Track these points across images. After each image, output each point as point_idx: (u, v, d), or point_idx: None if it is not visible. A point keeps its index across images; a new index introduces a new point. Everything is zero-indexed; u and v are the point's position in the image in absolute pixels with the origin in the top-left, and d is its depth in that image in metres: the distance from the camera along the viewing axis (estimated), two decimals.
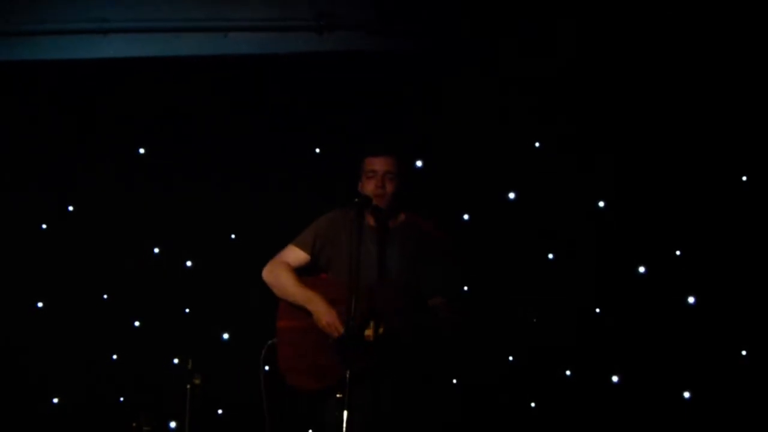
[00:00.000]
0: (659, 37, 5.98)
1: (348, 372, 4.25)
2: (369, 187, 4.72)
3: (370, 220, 4.75)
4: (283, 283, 4.78)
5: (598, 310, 6.22)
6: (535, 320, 6.09)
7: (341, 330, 4.53)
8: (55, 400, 6.29)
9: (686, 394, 6.09)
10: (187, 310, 6.36)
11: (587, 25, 5.98)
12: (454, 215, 6.28)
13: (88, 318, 6.29)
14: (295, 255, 4.85)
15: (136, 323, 6.37)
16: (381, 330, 4.56)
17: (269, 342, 4.78)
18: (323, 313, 4.62)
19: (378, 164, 4.75)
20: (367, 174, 4.76)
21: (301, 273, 4.82)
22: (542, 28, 5.99)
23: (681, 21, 5.89)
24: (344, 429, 4.16)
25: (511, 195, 6.35)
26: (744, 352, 6.03)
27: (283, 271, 4.81)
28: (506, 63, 6.12)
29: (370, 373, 4.48)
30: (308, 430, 5.72)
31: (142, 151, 6.42)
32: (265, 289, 4.88)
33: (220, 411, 6.26)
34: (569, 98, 6.19)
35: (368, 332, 4.57)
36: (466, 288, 5.97)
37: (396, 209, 4.80)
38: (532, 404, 6.23)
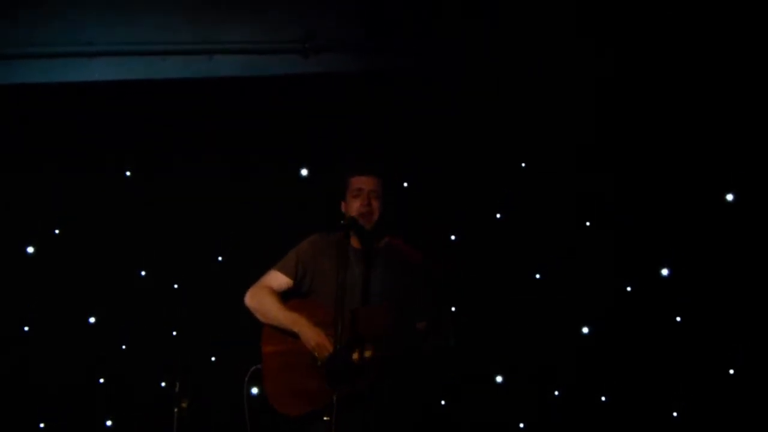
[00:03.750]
0: (646, 57, 6.00)
1: (335, 395, 4.23)
2: (354, 206, 4.71)
3: (355, 243, 4.73)
4: (268, 308, 4.74)
5: (585, 330, 6.22)
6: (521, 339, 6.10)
7: (331, 350, 4.50)
8: (42, 425, 6.25)
9: (674, 414, 6.10)
10: (174, 333, 6.34)
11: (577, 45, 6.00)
12: (441, 235, 6.29)
13: (74, 341, 6.26)
14: (277, 280, 4.81)
15: (123, 346, 6.34)
16: (368, 354, 4.54)
17: (253, 367, 4.76)
18: (311, 334, 4.59)
19: (364, 183, 4.73)
20: (352, 192, 4.75)
21: (283, 298, 4.78)
22: (532, 45, 6.00)
23: (665, 43, 5.92)
24: None
25: (498, 215, 6.37)
26: (731, 371, 6.04)
27: (266, 295, 4.77)
28: (494, 82, 6.14)
29: (357, 397, 4.45)
30: None
31: (128, 173, 6.41)
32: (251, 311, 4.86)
33: None
34: (556, 118, 6.21)
35: (355, 356, 4.55)
36: (453, 309, 5.98)
37: (380, 230, 4.79)
38: (521, 425, 6.23)
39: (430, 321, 4.69)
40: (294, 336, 4.66)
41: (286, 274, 4.80)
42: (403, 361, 4.59)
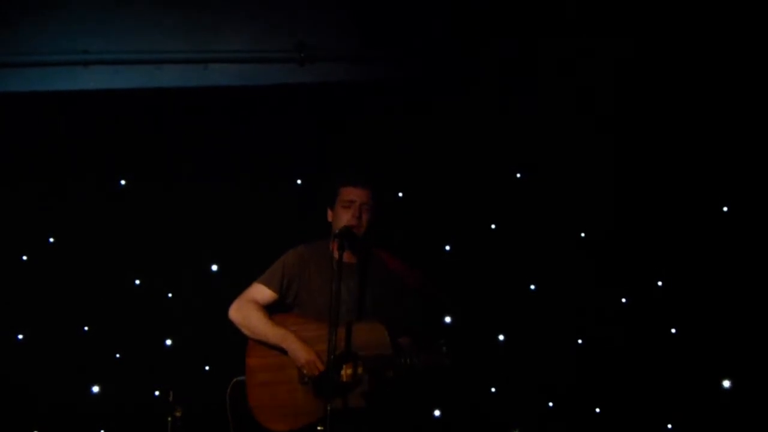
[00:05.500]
0: (643, 68, 6.01)
1: (328, 407, 4.21)
2: (344, 217, 4.66)
3: (345, 255, 4.64)
4: (254, 323, 4.69)
5: (580, 341, 6.22)
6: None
7: (321, 368, 4.49)
8: None
9: (669, 425, 6.09)
10: (168, 342, 6.33)
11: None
12: (435, 246, 6.29)
13: (68, 350, 6.25)
14: (262, 293, 4.76)
15: (117, 355, 6.33)
16: (359, 371, 4.52)
17: (235, 379, 4.73)
18: (301, 351, 4.55)
19: (356, 195, 4.69)
20: (342, 203, 4.70)
21: (268, 310, 4.74)
22: (526, 52, 6.01)
23: (662, 56, 5.93)
24: None
25: (493, 226, 6.36)
26: (726, 384, 6.03)
27: (252, 310, 4.71)
28: (491, 89, 6.15)
29: (348, 413, 4.44)
30: None
31: (123, 182, 6.41)
32: None
33: None
34: (552, 128, 6.21)
35: (344, 372, 4.53)
36: (445, 320, 5.98)
37: (368, 243, 4.76)
38: None
39: (420, 336, 4.67)
40: (281, 350, 4.62)
41: (271, 287, 4.76)
42: (395, 377, 4.55)
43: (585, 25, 5.70)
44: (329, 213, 4.78)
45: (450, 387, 5.92)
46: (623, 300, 6.21)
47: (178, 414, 5.22)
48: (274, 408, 4.59)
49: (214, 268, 6.39)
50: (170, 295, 6.38)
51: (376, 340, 4.54)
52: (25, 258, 6.37)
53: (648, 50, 5.86)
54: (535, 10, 5.61)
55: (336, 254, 4.53)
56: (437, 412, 6.20)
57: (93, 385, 6.30)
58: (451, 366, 4.52)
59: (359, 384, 4.50)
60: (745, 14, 5.51)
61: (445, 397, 6.09)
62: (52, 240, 6.39)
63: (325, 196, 4.86)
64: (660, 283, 6.18)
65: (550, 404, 6.21)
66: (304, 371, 4.54)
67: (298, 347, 4.56)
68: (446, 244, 6.35)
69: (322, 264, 4.69)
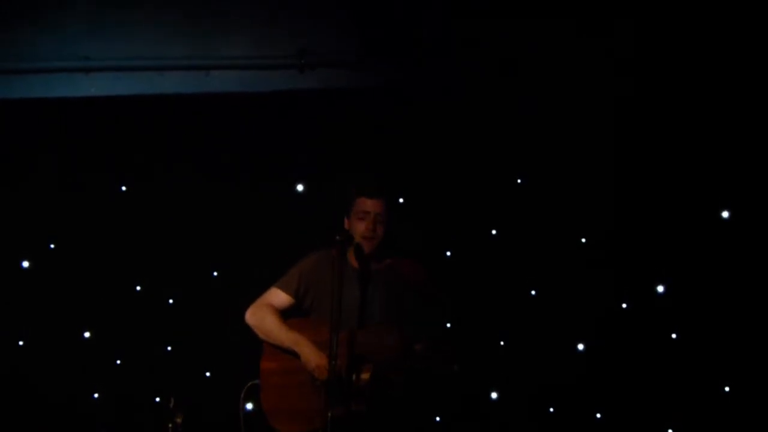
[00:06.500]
0: (643, 74, 6.02)
1: (329, 414, 4.23)
2: (359, 228, 4.72)
3: (354, 261, 4.73)
4: (269, 327, 4.74)
5: (581, 346, 6.21)
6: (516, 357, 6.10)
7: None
8: None
9: (670, 431, 6.09)
10: (169, 348, 6.33)
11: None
12: (436, 252, 6.29)
13: (69, 356, 6.25)
14: (278, 297, 4.81)
15: (118, 361, 6.33)
16: (367, 376, 4.53)
17: (250, 383, 4.76)
18: (312, 355, 4.58)
19: (371, 206, 4.74)
20: (357, 214, 4.75)
21: (284, 315, 4.78)
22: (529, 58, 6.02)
23: (664, 60, 5.94)
24: None
25: (494, 231, 6.36)
26: (727, 388, 6.03)
27: (267, 313, 4.76)
28: (491, 89, 6.16)
29: (358, 417, 4.46)
30: None
31: (124, 188, 6.41)
32: (246, 327, 4.85)
33: None
34: (552, 133, 6.21)
35: (355, 378, 4.54)
36: (449, 326, 5.98)
37: (382, 251, 4.79)
38: None
39: (429, 342, 4.69)
40: (295, 354, 4.66)
41: (288, 292, 4.81)
42: (403, 383, 4.58)
43: (585, 25, 5.71)
44: (346, 221, 4.83)
45: (453, 392, 5.93)
46: (624, 305, 6.21)
47: (179, 420, 5.21)
48: (287, 411, 4.64)
49: (215, 274, 6.40)
50: (171, 300, 6.38)
51: (389, 345, 4.57)
52: (26, 263, 6.37)
53: (648, 50, 5.86)
54: (535, 11, 5.61)
55: (353, 262, 4.71)
56: (438, 418, 6.21)
57: (94, 392, 6.30)
58: (460, 372, 4.53)
59: (370, 388, 4.51)
60: (746, 14, 5.52)
61: (448, 402, 6.08)
62: (52, 246, 6.39)
63: (336, 205, 4.92)
64: (660, 288, 6.17)
65: (551, 409, 6.21)
66: (315, 375, 4.56)
67: (310, 351, 4.60)
68: (447, 250, 6.35)
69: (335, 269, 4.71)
